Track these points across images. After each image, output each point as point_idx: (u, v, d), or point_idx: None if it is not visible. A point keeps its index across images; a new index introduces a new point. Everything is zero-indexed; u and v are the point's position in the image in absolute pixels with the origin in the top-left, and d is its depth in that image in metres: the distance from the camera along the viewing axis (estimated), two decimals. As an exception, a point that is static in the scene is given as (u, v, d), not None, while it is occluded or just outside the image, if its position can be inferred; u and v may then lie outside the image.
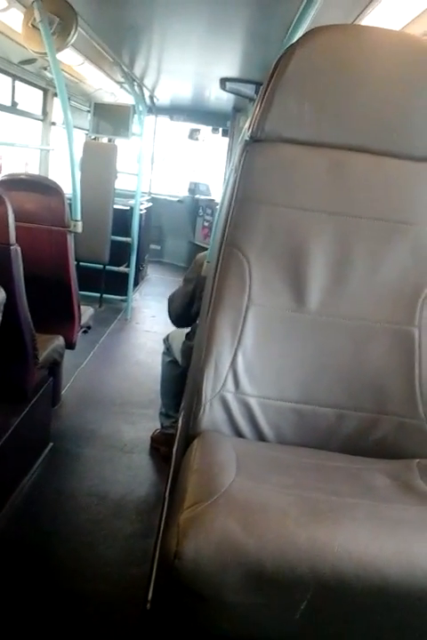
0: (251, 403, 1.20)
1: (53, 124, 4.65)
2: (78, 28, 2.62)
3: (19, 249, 1.99)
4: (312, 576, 0.84)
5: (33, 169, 4.70)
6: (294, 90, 1.13)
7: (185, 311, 2.44)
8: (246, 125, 1.22)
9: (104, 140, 5.85)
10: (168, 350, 2.78)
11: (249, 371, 1.19)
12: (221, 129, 6.81)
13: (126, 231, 5.11)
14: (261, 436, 1.22)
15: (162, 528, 1.20)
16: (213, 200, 7.45)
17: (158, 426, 2.87)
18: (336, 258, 1.18)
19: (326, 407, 1.22)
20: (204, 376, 1.18)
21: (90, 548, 2.03)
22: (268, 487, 0.96)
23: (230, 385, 1.19)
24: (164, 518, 1.24)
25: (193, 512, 0.89)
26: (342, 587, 0.84)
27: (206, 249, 3.21)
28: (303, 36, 1.17)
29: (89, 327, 3.62)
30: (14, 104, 3.96)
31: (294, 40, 1.60)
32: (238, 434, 1.21)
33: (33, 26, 2.51)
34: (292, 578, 0.84)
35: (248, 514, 0.88)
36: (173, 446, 1.56)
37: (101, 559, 1.99)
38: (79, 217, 2.86)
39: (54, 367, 2.71)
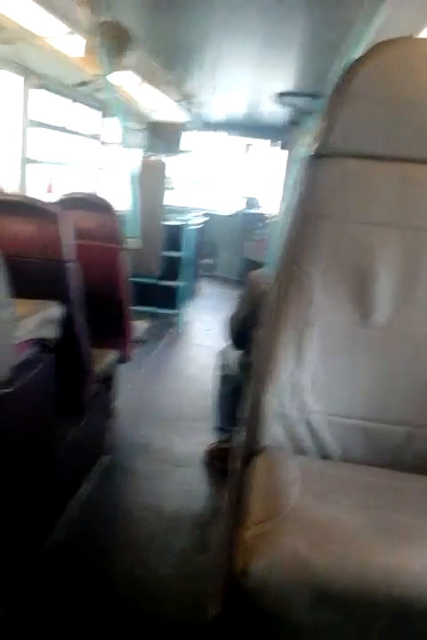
0: (314, 419, 1.18)
1: (105, 143, 4.78)
2: (134, 50, 2.69)
3: (77, 265, 2.05)
4: (387, 599, 0.81)
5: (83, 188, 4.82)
6: (359, 104, 1.11)
7: (242, 330, 2.44)
8: (304, 141, 1.21)
9: (156, 157, 5.96)
10: (223, 365, 2.79)
11: (313, 386, 1.17)
12: (280, 142, 6.81)
13: (179, 246, 5.18)
14: (325, 454, 1.20)
15: (225, 545, 1.19)
16: (263, 214, 7.46)
17: (211, 440, 2.87)
18: (405, 272, 1.15)
19: (396, 425, 1.18)
20: (265, 392, 1.17)
21: (146, 564, 2.03)
22: (334, 506, 0.94)
23: (293, 401, 1.17)
24: (227, 535, 1.24)
25: (259, 529, 0.88)
26: (419, 611, 0.81)
27: (259, 263, 3.21)
28: (369, 50, 1.16)
29: (143, 341, 3.67)
30: (68, 125, 4.10)
31: (357, 53, 1.59)
32: (301, 451, 1.19)
33: (91, 50, 2.59)
34: (365, 601, 0.82)
35: (316, 533, 0.87)
36: (231, 461, 1.55)
37: (157, 575, 1.98)
38: (138, 234, 2.92)
39: (108, 380, 2.76)
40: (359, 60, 1.12)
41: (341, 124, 1.12)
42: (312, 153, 1.16)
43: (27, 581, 1.85)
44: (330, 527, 0.88)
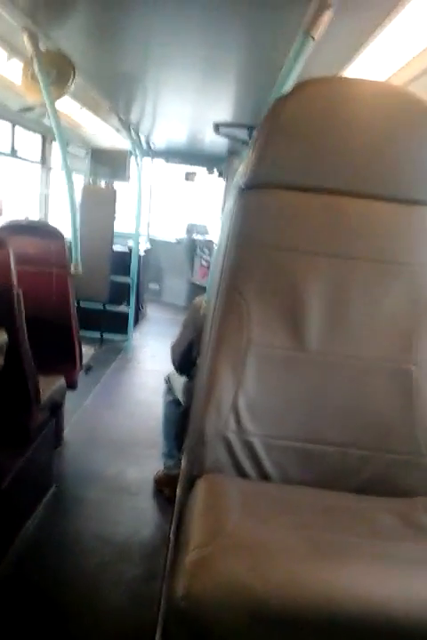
0: (254, 442, 1.20)
1: (51, 168, 4.75)
2: (75, 78, 2.70)
3: (20, 292, 2.02)
4: (319, 616, 0.83)
5: (33, 215, 4.77)
6: (285, 138, 1.17)
7: (186, 356, 2.45)
8: (240, 171, 1.25)
9: (102, 183, 5.95)
10: (170, 390, 2.78)
11: (251, 410, 1.19)
12: (216, 170, 6.94)
13: (126, 271, 5.18)
14: (265, 476, 1.22)
15: (168, 570, 1.19)
16: (210, 240, 7.55)
17: (161, 466, 2.85)
18: (333, 298, 1.20)
19: (329, 445, 1.22)
20: (205, 416, 1.18)
21: (95, 593, 2.00)
22: (273, 528, 0.96)
23: (232, 425, 1.19)
24: (169, 561, 1.23)
25: (199, 554, 0.89)
26: (349, 627, 0.84)
27: (204, 288, 3.25)
28: (294, 87, 1.23)
29: (90, 367, 3.62)
30: (14, 150, 4.05)
31: (285, 88, 1.67)
32: (242, 474, 1.21)
33: (32, 77, 2.58)
34: (298, 618, 0.84)
35: (253, 554, 0.88)
36: (177, 488, 1.55)
37: (107, 603, 1.96)
38: (79, 259, 2.91)
39: (56, 408, 2.71)
40: (284, 98, 1.18)
41: (267, 156, 1.17)
42: (242, 184, 1.20)
43: None
44: (265, 548, 0.90)
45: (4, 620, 1.82)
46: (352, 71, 2.24)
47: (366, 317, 1.20)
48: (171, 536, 1.40)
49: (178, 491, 1.46)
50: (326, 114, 1.17)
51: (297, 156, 1.17)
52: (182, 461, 1.60)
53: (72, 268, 2.84)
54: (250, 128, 3.05)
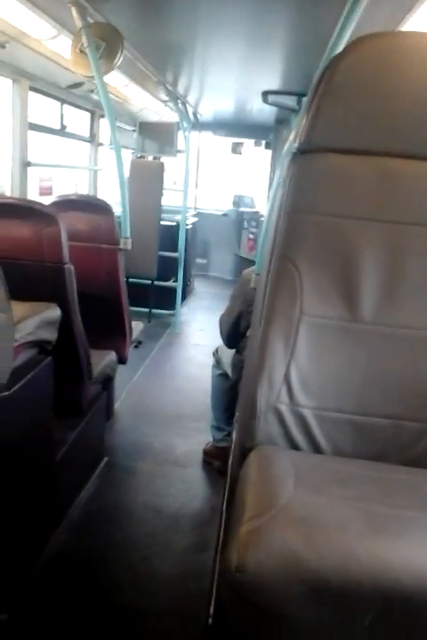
0: (306, 414, 1.19)
1: (101, 144, 4.78)
2: (124, 51, 2.69)
3: (72, 267, 2.05)
4: (375, 591, 0.82)
5: (82, 189, 4.82)
6: (340, 99, 1.12)
7: (234, 328, 2.44)
8: (292, 137, 1.21)
9: (150, 158, 5.95)
10: (218, 363, 2.79)
11: (303, 382, 1.18)
12: (263, 142, 6.84)
13: (173, 246, 5.19)
14: (317, 449, 1.20)
15: (221, 542, 1.20)
16: (257, 212, 7.47)
17: (210, 439, 2.88)
18: (389, 266, 1.15)
19: (383, 418, 1.19)
20: (257, 388, 1.17)
21: (147, 563, 2.04)
22: (327, 500, 0.95)
23: (284, 397, 1.18)
24: (222, 533, 1.24)
25: (253, 525, 0.88)
26: (405, 602, 0.82)
27: (252, 261, 3.22)
28: (348, 45, 1.16)
29: (140, 342, 3.66)
30: (63, 127, 4.09)
31: (338, 50, 1.59)
32: (294, 446, 1.20)
33: (81, 51, 2.58)
34: (354, 593, 0.82)
35: (308, 527, 0.87)
36: (228, 459, 1.55)
37: (158, 574, 1.99)
38: (129, 234, 2.92)
39: (107, 382, 2.76)
40: (339, 56, 1.13)
41: (322, 119, 1.12)
42: (295, 149, 1.16)
43: (28, 586, 1.85)
44: (320, 520, 0.89)
45: (57, 588, 1.88)
46: (409, 27, 2.13)
47: (423, 286, 1.15)
48: (223, 508, 1.41)
49: (230, 463, 1.47)
50: (382, 71, 1.10)
51: (352, 118, 1.12)
52: (234, 434, 1.61)
53: (122, 244, 2.85)
54: (300, 95, 2.97)
